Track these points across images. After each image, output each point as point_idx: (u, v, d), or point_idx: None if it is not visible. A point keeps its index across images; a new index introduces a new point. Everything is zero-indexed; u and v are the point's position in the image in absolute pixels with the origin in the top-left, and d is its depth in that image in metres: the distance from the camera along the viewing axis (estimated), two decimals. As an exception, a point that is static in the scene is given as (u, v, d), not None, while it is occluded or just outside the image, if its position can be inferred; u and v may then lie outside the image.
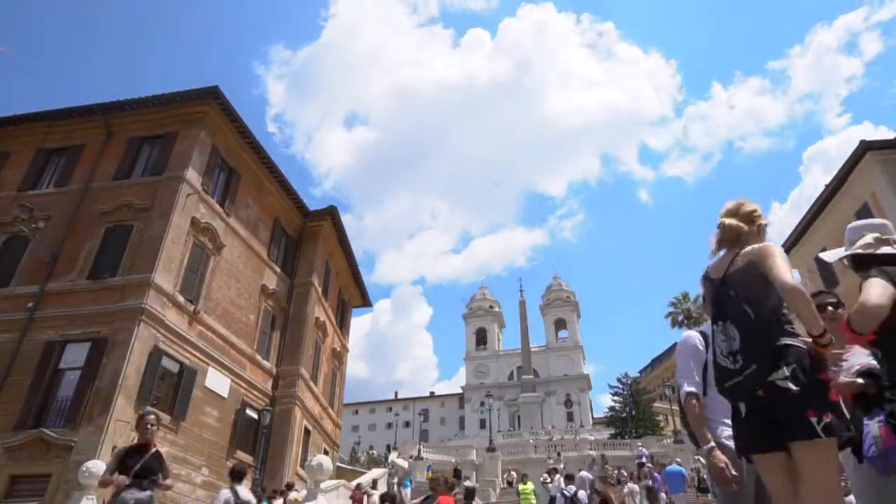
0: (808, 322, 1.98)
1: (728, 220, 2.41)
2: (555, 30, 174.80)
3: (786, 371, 2.00)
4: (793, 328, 2.12)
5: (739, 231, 2.38)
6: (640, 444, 30.52)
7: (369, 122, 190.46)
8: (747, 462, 2.56)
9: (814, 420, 1.94)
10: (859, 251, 2.43)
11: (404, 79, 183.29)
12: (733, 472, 2.49)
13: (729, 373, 2.13)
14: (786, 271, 2.09)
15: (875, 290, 2.10)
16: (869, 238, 2.44)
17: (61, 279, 14.67)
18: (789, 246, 22.38)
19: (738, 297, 2.17)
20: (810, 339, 2.06)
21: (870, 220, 2.62)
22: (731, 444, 2.63)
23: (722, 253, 2.45)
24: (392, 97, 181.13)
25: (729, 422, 2.71)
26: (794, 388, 1.97)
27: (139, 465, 4.57)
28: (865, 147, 17.95)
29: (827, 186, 19.77)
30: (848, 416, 2.22)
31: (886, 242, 2.40)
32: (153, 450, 4.78)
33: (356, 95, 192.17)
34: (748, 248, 2.29)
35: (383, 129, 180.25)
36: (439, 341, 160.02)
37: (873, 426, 2.29)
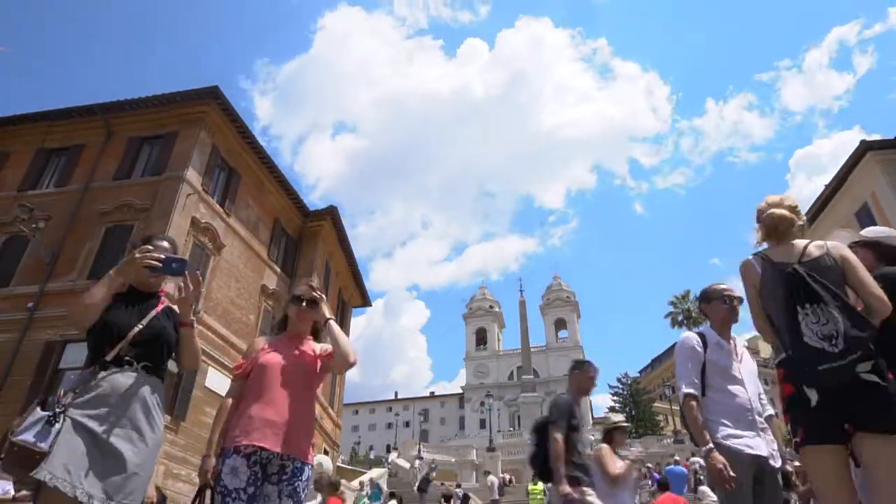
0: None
1: (779, 211, 2.44)
2: (551, 44, 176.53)
3: (868, 365, 1.99)
4: None
5: (792, 222, 2.43)
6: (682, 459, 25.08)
7: (359, 132, 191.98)
8: (746, 462, 2.56)
9: None
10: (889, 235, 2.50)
11: (394, 89, 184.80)
12: (731, 473, 2.50)
13: (826, 356, 2.02)
14: (875, 285, 2.16)
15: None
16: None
17: (61, 279, 14.68)
18: (789, 246, 22.38)
19: (831, 283, 2.14)
20: None
21: (881, 228, 2.69)
22: (729, 444, 2.65)
23: (771, 243, 2.45)
24: (382, 107, 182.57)
25: (727, 422, 2.72)
26: (880, 381, 1.98)
27: (140, 326, 2.34)
28: (865, 147, 17.94)
29: (827, 186, 19.76)
30: None
31: None
32: (163, 303, 2.56)
33: (345, 106, 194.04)
34: (823, 242, 2.32)
35: (373, 139, 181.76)
36: (433, 344, 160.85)
37: None
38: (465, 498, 16.32)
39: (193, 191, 15.92)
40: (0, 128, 18.01)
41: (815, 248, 2.30)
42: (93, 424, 2.12)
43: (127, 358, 2.28)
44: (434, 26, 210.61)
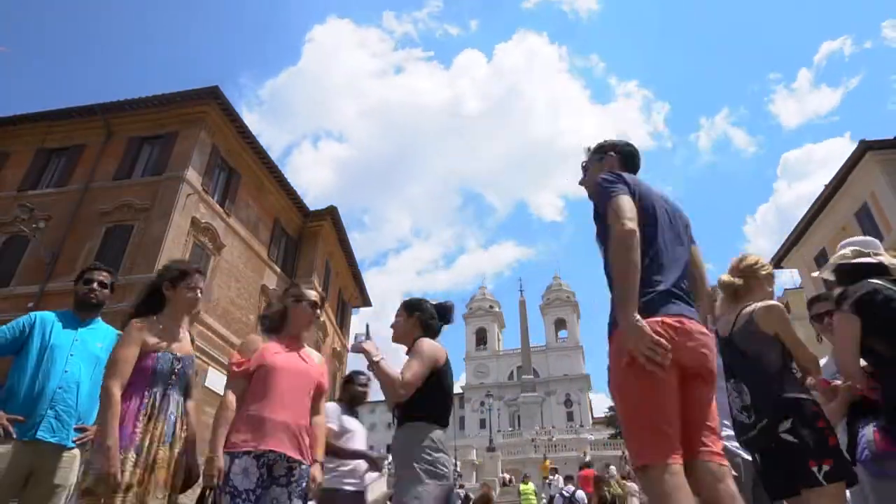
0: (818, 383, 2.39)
1: (724, 277, 2.56)
2: (546, 57, 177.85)
3: (787, 424, 2.13)
4: (796, 379, 2.28)
5: (734, 286, 2.52)
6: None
7: (349, 142, 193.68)
8: (746, 463, 2.58)
9: (814, 469, 2.05)
10: (838, 262, 2.53)
11: (384, 100, 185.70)
12: (733, 473, 2.51)
13: (745, 427, 2.28)
14: (799, 340, 2.27)
15: (838, 343, 2.31)
16: (846, 251, 2.53)
17: (61, 279, 14.64)
18: (789, 246, 22.37)
19: (743, 354, 2.32)
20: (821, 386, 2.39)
21: (857, 238, 2.72)
22: (728, 444, 2.65)
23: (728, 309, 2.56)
24: (372, 118, 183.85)
25: (727, 422, 2.73)
26: (793, 440, 2.11)
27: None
28: (865, 147, 17.92)
29: (827, 186, 19.75)
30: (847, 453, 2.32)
31: (864, 255, 2.47)
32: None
33: (334, 118, 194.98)
34: (750, 307, 2.40)
35: (363, 150, 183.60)
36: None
37: (868, 430, 2.32)
38: (466, 498, 16.35)
39: (193, 191, 15.92)
40: (0, 128, 18.03)
41: (741, 318, 2.38)
42: None
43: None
44: (424, 38, 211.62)
